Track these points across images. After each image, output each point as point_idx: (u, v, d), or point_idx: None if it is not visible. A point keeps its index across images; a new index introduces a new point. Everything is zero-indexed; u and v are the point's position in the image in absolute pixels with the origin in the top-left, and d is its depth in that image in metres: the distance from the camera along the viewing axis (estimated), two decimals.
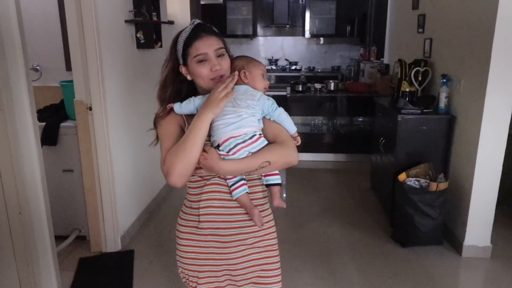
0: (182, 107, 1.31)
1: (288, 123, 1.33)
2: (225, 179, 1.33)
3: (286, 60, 7.33)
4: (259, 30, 7.42)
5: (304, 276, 2.68)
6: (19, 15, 1.86)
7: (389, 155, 3.38)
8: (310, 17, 7.03)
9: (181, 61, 1.33)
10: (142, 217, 3.44)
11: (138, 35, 3.26)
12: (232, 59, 1.37)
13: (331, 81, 5.03)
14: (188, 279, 1.47)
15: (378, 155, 3.81)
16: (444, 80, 3.09)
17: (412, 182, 2.93)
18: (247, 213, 1.35)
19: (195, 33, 1.29)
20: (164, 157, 1.27)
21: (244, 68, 1.34)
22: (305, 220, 3.47)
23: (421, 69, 3.39)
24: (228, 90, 1.23)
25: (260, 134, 1.28)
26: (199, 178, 1.34)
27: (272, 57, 7.42)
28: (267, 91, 1.38)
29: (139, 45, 3.29)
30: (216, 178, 1.33)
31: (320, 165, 4.86)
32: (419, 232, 2.92)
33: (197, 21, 1.33)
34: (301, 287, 2.57)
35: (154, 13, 3.47)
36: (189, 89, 1.38)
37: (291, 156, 1.29)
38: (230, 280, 1.44)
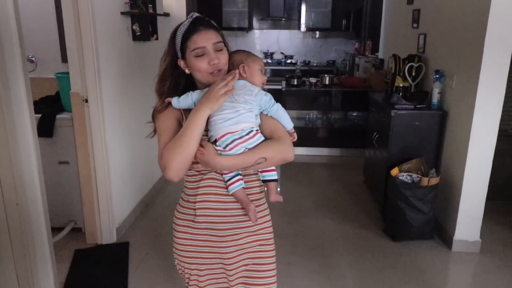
0: (180, 102, 1.31)
1: (285, 119, 1.34)
2: (222, 174, 1.34)
3: (282, 53, 7.34)
4: (255, 23, 7.41)
5: (298, 270, 2.72)
6: (16, 7, 1.85)
7: (382, 150, 3.42)
8: (306, 11, 7.02)
9: (179, 55, 1.33)
10: (138, 209, 3.46)
11: (134, 27, 3.25)
12: (231, 53, 1.37)
13: (326, 75, 5.04)
14: (184, 271, 1.49)
15: (371, 149, 3.85)
16: (437, 76, 3.12)
17: (404, 177, 2.97)
18: (242, 208, 1.36)
19: (194, 27, 1.29)
20: (162, 152, 1.27)
21: (242, 62, 1.34)
22: (299, 214, 3.51)
23: (415, 65, 3.41)
24: (228, 87, 1.22)
25: (257, 130, 1.29)
26: (196, 173, 1.35)
27: (268, 50, 7.42)
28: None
29: (135, 37, 3.29)
30: (212, 173, 1.34)
31: (314, 159, 4.89)
32: (410, 226, 2.96)
33: (196, 14, 1.33)
34: (294, 280, 2.61)
35: (150, 5, 3.45)
36: (187, 82, 1.38)
37: (288, 152, 1.31)
38: (225, 273, 1.46)
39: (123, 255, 2.85)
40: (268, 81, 1.51)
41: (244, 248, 1.43)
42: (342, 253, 2.91)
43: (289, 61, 7.16)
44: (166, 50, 1.37)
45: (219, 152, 1.25)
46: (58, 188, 2.98)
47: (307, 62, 7.23)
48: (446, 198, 3.03)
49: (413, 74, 3.43)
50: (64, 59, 3.27)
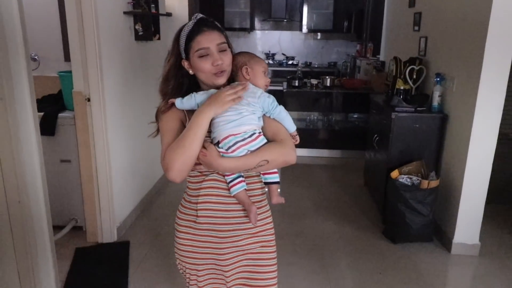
0: (183, 103, 1.32)
1: (287, 122, 1.34)
2: (224, 176, 1.34)
3: (283, 54, 7.35)
4: (257, 23, 7.42)
5: (298, 270, 2.73)
6: (20, 7, 1.86)
7: (383, 152, 3.43)
8: (308, 12, 7.04)
9: (183, 55, 1.33)
10: (138, 208, 3.47)
11: (136, 27, 3.26)
12: (234, 55, 1.37)
13: (327, 77, 5.06)
14: (185, 271, 1.49)
15: (372, 151, 3.86)
16: (438, 79, 3.13)
17: (404, 179, 2.98)
18: (244, 210, 1.37)
19: (198, 28, 1.29)
20: (164, 152, 1.27)
21: (246, 64, 1.34)
22: (299, 215, 3.52)
23: (415, 67, 3.42)
24: (236, 96, 1.24)
25: (259, 133, 1.29)
26: (199, 174, 1.36)
27: (269, 51, 7.43)
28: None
29: (138, 37, 3.30)
30: (214, 174, 1.35)
31: (315, 161, 4.91)
32: (410, 228, 2.97)
33: (200, 15, 1.33)
34: (294, 281, 2.62)
35: (153, 5, 3.47)
36: (191, 83, 1.38)
37: (290, 155, 1.31)
38: (222, 274, 1.46)
39: (124, 254, 2.86)
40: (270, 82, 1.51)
41: (244, 250, 1.43)
42: (342, 255, 2.92)
43: (290, 62, 7.17)
44: (170, 51, 1.37)
45: (221, 154, 1.26)
46: (59, 186, 2.99)
47: (308, 63, 7.24)
48: (445, 200, 3.04)
49: (414, 77, 3.44)
50: (67, 57, 3.29)
